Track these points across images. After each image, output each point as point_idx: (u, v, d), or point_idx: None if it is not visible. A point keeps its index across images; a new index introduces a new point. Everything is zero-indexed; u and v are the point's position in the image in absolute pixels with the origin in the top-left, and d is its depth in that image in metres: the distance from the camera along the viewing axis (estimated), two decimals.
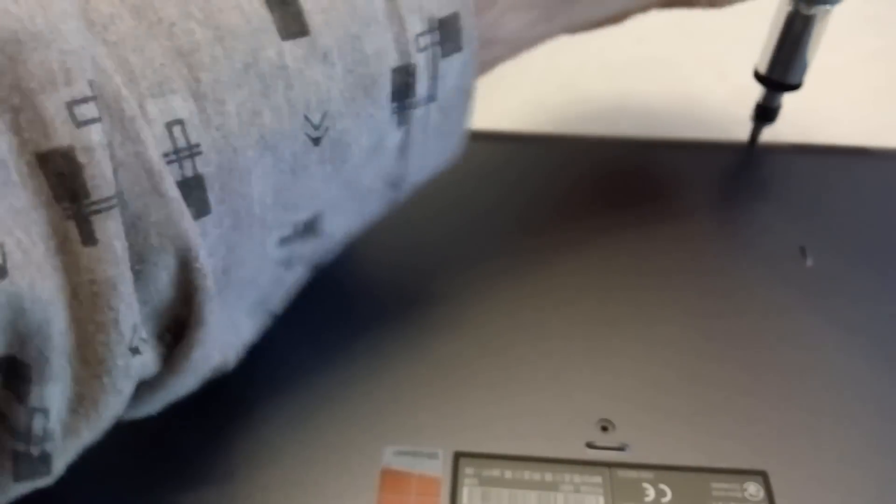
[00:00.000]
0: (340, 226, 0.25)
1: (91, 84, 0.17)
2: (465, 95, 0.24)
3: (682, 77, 0.46)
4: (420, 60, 0.22)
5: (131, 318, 0.18)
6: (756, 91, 0.37)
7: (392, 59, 0.22)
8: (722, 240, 0.33)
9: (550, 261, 0.32)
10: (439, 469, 0.25)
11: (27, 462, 0.19)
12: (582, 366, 0.28)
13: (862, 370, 0.28)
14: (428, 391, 0.27)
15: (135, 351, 0.19)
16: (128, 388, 0.19)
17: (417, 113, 0.23)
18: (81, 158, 0.17)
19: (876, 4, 0.50)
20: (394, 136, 0.23)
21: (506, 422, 0.27)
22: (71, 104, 0.17)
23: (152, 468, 0.25)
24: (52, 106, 0.17)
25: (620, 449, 0.26)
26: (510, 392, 0.27)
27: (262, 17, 0.19)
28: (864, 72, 0.46)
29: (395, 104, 0.22)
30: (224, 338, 0.22)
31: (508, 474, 0.25)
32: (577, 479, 0.25)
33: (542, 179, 0.36)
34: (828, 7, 0.33)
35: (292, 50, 0.20)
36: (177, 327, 0.20)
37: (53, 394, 0.18)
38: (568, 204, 0.35)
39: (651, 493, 0.25)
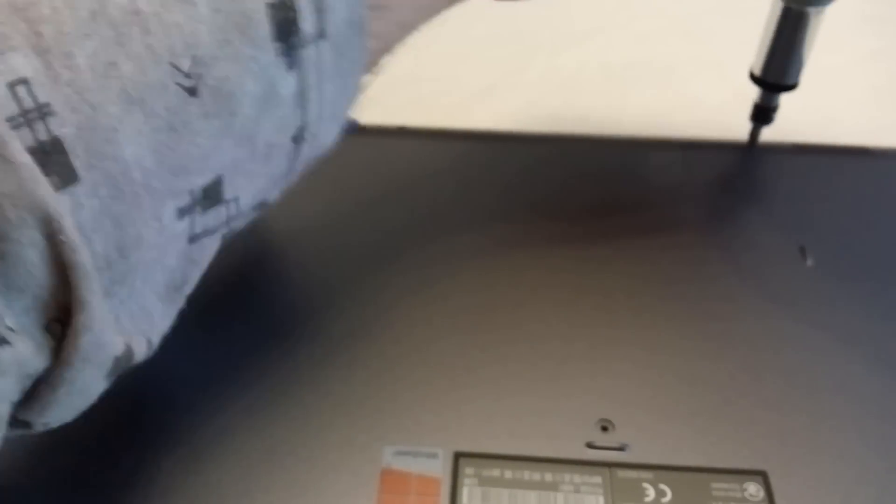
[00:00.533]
0: (246, 190, 0.22)
1: None
2: (357, 29, 0.22)
3: (682, 77, 0.46)
4: None
5: None
6: (755, 91, 0.37)
7: None
8: (722, 240, 0.33)
9: (550, 260, 0.32)
10: (439, 469, 0.25)
11: None
12: (582, 366, 0.28)
13: (862, 370, 0.28)
14: (428, 391, 0.27)
15: (1, 342, 0.17)
16: (5, 383, 0.18)
17: (308, 53, 0.21)
18: None
19: (876, 4, 0.50)
20: (286, 81, 0.21)
21: (506, 422, 0.27)
22: None
23: (152, 468, 0.25)
24: None
25: (620, 449, 0.26)
26: (510, 392, 0.27)
27: None
28: (863, 72, 0.46)
29: (279, 44, 0.20)
30: (133, 325, 0.21)
31: (508, 474, 0.25)
32: (577, 479, 0.25)
33: (542, 179, 0.36)
34: (820, 7, 0.33)
35: None
36: (66, 317, 0.19)
37: None
38: (567, 204, 0.35)
39: (651, 493, 0.25)
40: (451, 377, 0.28)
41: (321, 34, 0.21)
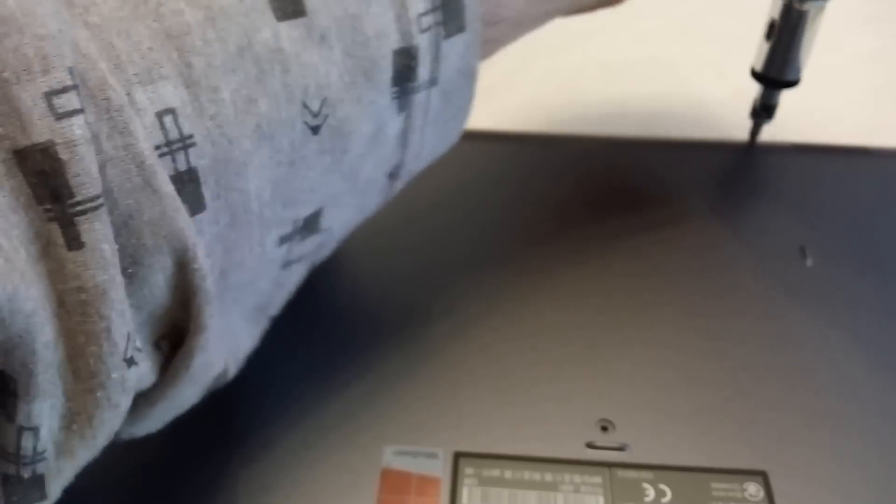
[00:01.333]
0: (340, 221, 0.23)
1: (72, 71, 0.15)
2: (467, 78, 0.23)
3: (682, 77, 0.46)
4: (422, 42, 0.21)
5: (124, 326, 0.17)
6: (755, 90, 0.37)
7: (393, 41, 0.20)
8: (722, 240, 0.33)
9: (550, 261, 0.32)
10: (439, 469, 0.25)
11: (18, 486, 0.17)
12: (582, 366, 0.28)
13: (862, 370, 0.28)
14: (428, 391, 0.27)
15: (130, 362, 0.17)
16: (124, 402, 0.18)
17: (418, 98, 0.22)
18: (63, 154, 0.15)
19: (876, 4, 0.50)
20: (394, 123, 0.22)
21: (506, 422, 0.27)
22: (49, 94, 0.15)
23: (151, 468, 0.25)
24: (29, 97, 0.15)
25: (620, 449, 0.26)
26: (510, 392, 0.27)
27: None
28: (863, 71, 0.46)
29: (395, 89, 0.21)
30: (224, 344, 0.21)
31: (508, 474, 0.25)
32: (577, 479, 0.25)
33: (542, 179, 0.36)
34: (821, 3, 0.33)
35: (288, 32, 0.18)
36: (174, 334, 0.19)
37: (43, 410, 0.17)
38: (568, 204, 0.35)
39: (651, 493, 0.25)
40: (451, 377, 0.28)
41: (433, 81, 0.22)
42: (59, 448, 0.18)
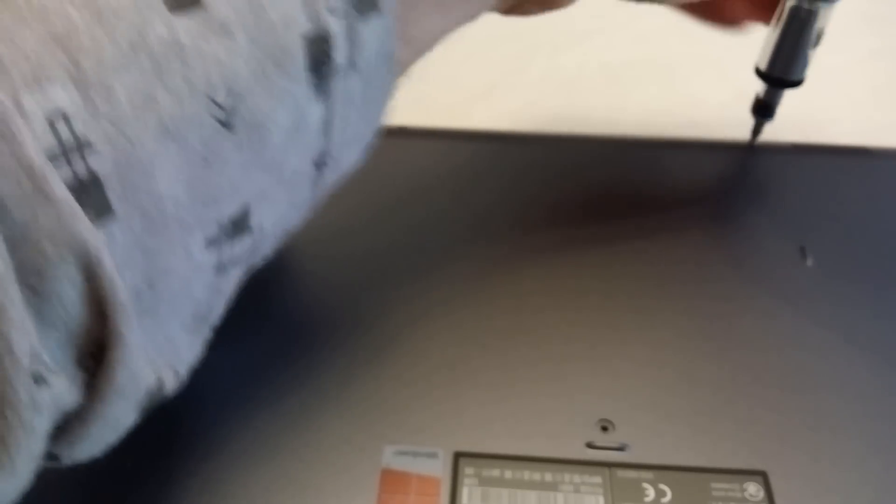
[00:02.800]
0: (270, 218, 0.22)
1: None
2: (387, 61, 0.22)
3: (682, 77, 0.46)
4: (334, 25, 0.20)
5: (26, 343, 0.16)
6: (756, 90, 0.37)
7: (302, 26, 0.20)
8: (722, 240, 0.33)
9: (550, 261, 0.32)
10: (439, 469, 0.25)
11: None
12: (582, 366, 0.28)
13: (862, 370, 0.28)
14: (428, 391, 0.27)
15: (38, 379, 0.17)
16: (39, 423, 0.17)
17: (337, 84, 0.21)
18: None
19: (876, 4, 0.50)
20: (315, 110, 0.21)
21: (506, 422, 0.27)
22: None
23: (151, 468, 0.25)
24: None
25: (620, 449, 0.26)
26: (510, 392, 0.27)
27: None
28: (863, 71, 0.46)
29: (311, 75, 0.20)
30: (159, 357, 0.20)
31: (508, 474, 0.25)
32: (577, 479, 0.25)
33: (542, 179, 0.36)
34: (830, 3, 0.33)
35: (185, 24, 0.18)
36: (99, 353, 0.18)
37: None
38: (567, 204, 0.35)
39: (651, 493, 0.25)
40: (451, 377, 0.28)
41: (352, 65, 0.21)
42: None
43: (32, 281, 0.16)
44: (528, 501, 0.25)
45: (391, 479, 0.25)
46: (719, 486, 0.25)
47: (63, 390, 0.18)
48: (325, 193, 0.25)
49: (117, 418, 0.20)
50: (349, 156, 0.24)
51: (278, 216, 0.23)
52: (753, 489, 0.25)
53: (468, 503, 0.24)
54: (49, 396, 0.17)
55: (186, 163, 0.18)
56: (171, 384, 0.21)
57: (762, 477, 0.25)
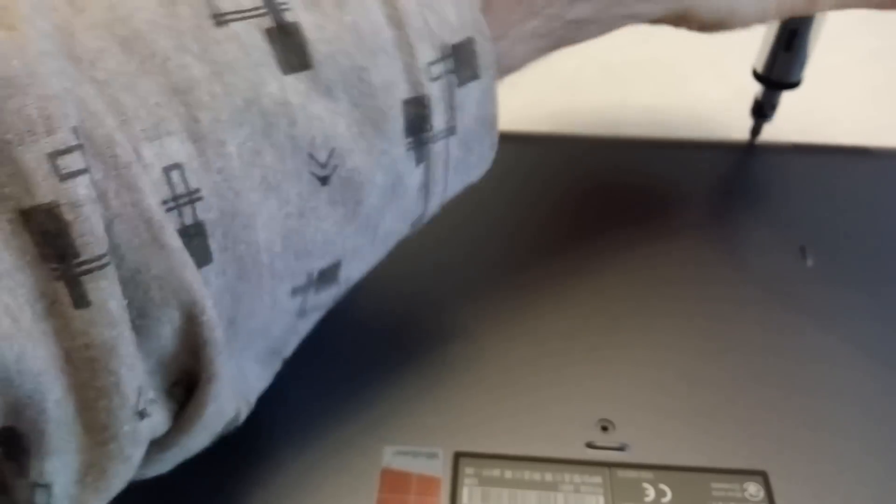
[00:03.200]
0: (359, 271, 0.23)
1: (76, 131, 0.16)
2: (487, 126, 0.23)
3: (682, 77, 0.46)
4: (434, 90, 0.21)
5: (134, 380, 0.17)
6: (756, 90, 0.37)
7: (402, 91, 0.20)
8: (722, 240, 0.33)
9: (550, 261, 0.32)
10: (439, 469, 0.25)
11: None
12: (582, 366, 0.28)
13: (862, 370, 0.28)
14: (428, 391, 0.27)
15: (142, 414, 0.18)
16: (137, 454, 0.18)
17: (436, 148, 0.22)
18: (67, 215, 0.15)
19: None
20: (413, 173, 0.22)
21: (506, 422, 0.27)
22: (53, 155, 0.15)
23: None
24: (33, 158, 0.15)
25: (620, 449, 0.26)
26: (510, 392, 0.27)
27: (263, 50, 0.18)
28: (863, 71, 0.46)
29: (410, 139, 0.21)
30: (235, 387, 0.21)
31: (508, 474, 0.25)
32: (577, 479, 0.25)
33: (542, 179, 0.36)
34: None
35: (294, 85, 0.19)
36: (187, 380, 0.19)
37: (56, 468, 0.17)
38: (568, 204, 0.35)
39: (651, 493, 0.25)
40: (451, 377, 0.28)
41: (451, 130, 0.22)
42: (73, 502, 0.18)
43: (140, 321, 0.17)
44: (528, 501, 0.25)
45: (391, 479, 0.25)
46: (719, 486, 0.25)
47: (159, 421, 0.19)
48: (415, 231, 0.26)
49: (195, 445, 0.21)
50: (437, 210, 0.25)
51: (366, 269, 0.23)
52: (753, 489, 0.25)
53: (468, 503, 0.24)
54: (148, 428, 0.18)
55: (284, 216, 0.19)
56: (244, 413, 0.22)
57: (762, 477, 0.25)
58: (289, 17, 0.19)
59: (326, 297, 0.22)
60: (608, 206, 0.35)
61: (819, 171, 0.36)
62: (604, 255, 0.32)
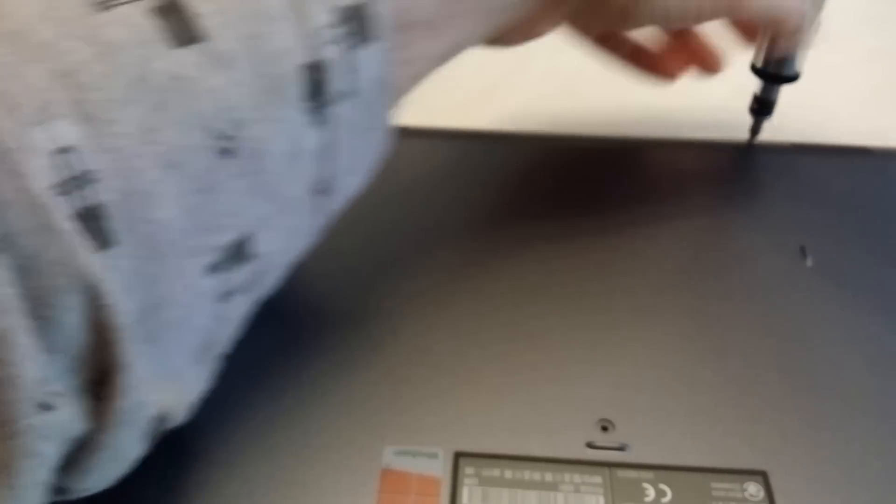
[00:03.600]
0: (275, 245, 0.23)
1: None
2: (385, 88, 0.23)
3: (682, 77, 0.46)
4: (330, 54, 0.21)
5: (33, 370, 0.17)
6: (755, 89, 0.37)
7: (298, 56, 0.20)
8: (722, 240, 0.33)
9: (550, 260, 0.32)
10: (439, 469, 0.25)
11: None
12: (582, 366, 0.28)
13: (862, 370, 0.28)
14: (428, 391, 0.27)
15: (45, 406, 0.17)
16: (47, 449, 0.18)
17: (336, 111, 0.22)
18: None
19: (876, 4, 0.50)
20: (311, 137, 0.21)
21: (506, 422, 0.27)
22: None
23: (151, 468, 0.25)
24: None
25: (620, 449, 0.26)
26: (510, 392, 0.27)
27: (150, 27, 0.18)
28: (863, 71, 0.46)
29: (308, 104, 0.21)
30: (165, 387, 0.21)
31: (508, 474, 0.25)
32: (577, 479, 0.25)
33: (542, 179, 0.36)
34: None
35: (187, 58, 0.18)
36: (105, 379, 0.19)
37: None
38: (567, 204, 0.35)
39: (651, 493, 0.25)
40: (451, 377, 0.28)
41: (351, 93, 0.22)
42: None
43: (40, 310, 0.17)
44: (528, 501, 0.25)
45: (391, 479, 0.25)
46: (719, 486, 0.25)
47: (70, 417, 0.18)
48: (330, 221, 0.25)
49: (124, 447, 0.20)
50: (351, 183, 0.25)
51: (281, 244, 0.23)
52: (753, 489, 0.25)
53: (468, 503, 0.24)
54: (56, 423, 0.18)
55: (188, 191, 0.19)
56: (179, 414, 0.21)
57: (762, 477, 0.25)
58: None
59: (244, 276, 0.22)
60: (608, 206, 0.35)
61: (819, 171, 0.36)
62: (604, 255, 0.32)
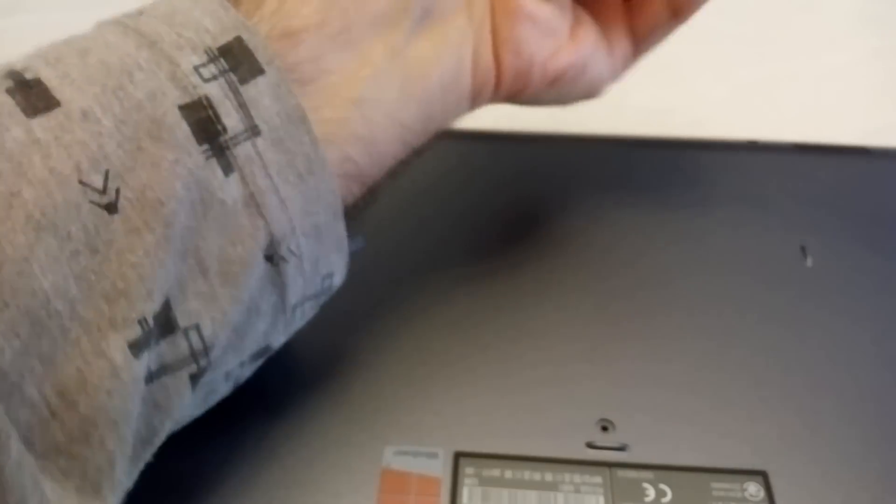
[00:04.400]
0: (208, 318, 0.20)
1: None
2: (295, 121, 0.21)
3: (682, 77, 0.46)
4: (213, 91, 0.20)
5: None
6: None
7: (174, 97, 0.19)
8: (722, 240, 0.33)
9: (550, 260, 0.32)
10: (439, 469, 0.25)
11: None
12: (582, 366, 0.28)
13: (862, 370, 0.28)
14: (428, 391, 0.27)
15: None
16: None
17: (242, 151, 0.20)
18: None
19: (876, 4, 0.50)
20: (225, 184, 0.20)
21: (506, 422, 0.27)
22: None
23: (151, 468, 0.25)
24: None
25: (620, 449, 0.26)
26: (510, 392, 0.27)
27: (8, 103, 0.18)
28: (864, 71, 0.46)
29: (205, 146, 0.20)
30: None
31: (508, 474, 0.25)
32: (577, 479, 0.25)
33: (542, 179, 0.36)
34: None
35: (43, 123, 0.18)
36: None
37: None
38: (567, 204, 0.35)
39: (651, 493, 0.25)
40: (451, 377, 0.28)
41: (253, 131, 0.20)
42: None
43: None
44: (528, 501, 0.25)
45: (391, 479, 0.25)
46: (719, 486, 0.25)
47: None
48: (314, 306, 0.24)
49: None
50: (326, 261, 0.23)
51: (227, 321, 0.21)
52: (753, 489, 0.25)
53: (468, 503, 0.24)
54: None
55: (70, 254, 0.18)
56: None
57: (762, 477, 0.25)
58: (29, 75, 0.19)
59: (173, 352, 0.20)
60: (608, 206, 0.35)
61: (819, 171, 0.36)
62: (604, 255, 0.32)
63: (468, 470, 0.25)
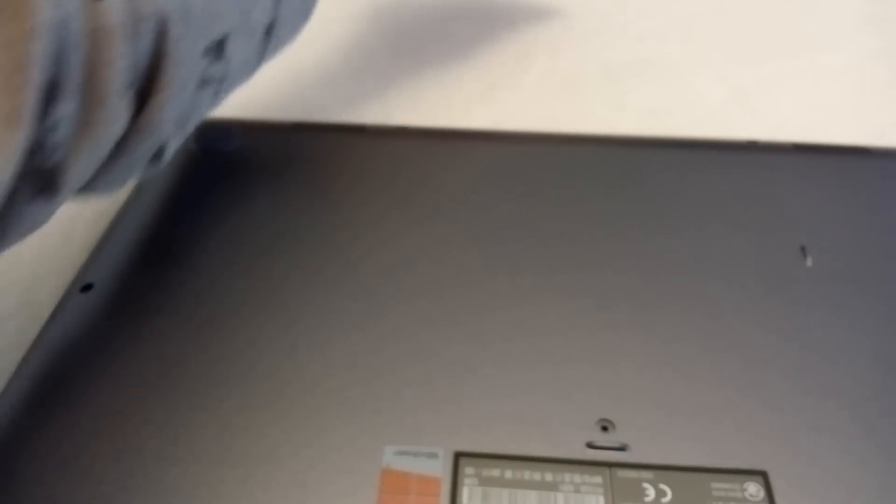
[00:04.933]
0: (236, 56, 0.29)
1: None
2: None
3: (682, 77, 0.46)
4: None
5: (125, 65, 0.23)
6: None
7: None
8: (722, 240, 0.33)
9: (550, 260, 0.32)
10: (439, 469, 0.25)
11: (39, 177, 0.23)
12: (582, 366, 0.28)
13: (862, 370, 0.28)
14: (428, 391, 0.27)
15: (127, 90, 0.23)
16: (118, 124, 0.24)
17: None
18: None
19: (876, 4, 0.50)
20: None
21: (506, 422, 0.27)
22: None
23: (151, 467, 0.25)
24: None
25: (620, 449, 0.26)
26: (510, 392, 0.27)
27: None
28: (863, 71, 0.46)
29: None
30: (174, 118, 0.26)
31: (508, 474, 0.25)
32: (577, 479, 0.25)
33: (542, 179, 0.36)
34: None
35: None
36: (145, 91, 0.25)
37: (66, 111, 0.22)
38: (567, 204, 0.35)
39: (651, 493, 0.25)
40: (451, 377, 0.28)
41: None
42: (72, 147, 0.23)
43: (130, 24, 0.23)
44: (528, 501, 0.25)
45: (391, 479, 0.25)
46: (719, 486, 0.25)
47: (125, 115, 0.24)
48: (266, 62, 0.32)
49: (137, 159, 0.26)
50: (288, 32, 0.32)
51: (240, 59, 0.29)
52: (753, 489, 0.25)
53: (468, 503, 0.24)
54: (125, 110, 0.24)
55: None
56: (168, 155, 0.28)
57: (762, 477, 0.25)
58: None
59: (217, 71, 0.28)
60: (608, 206, 0.35)
61: (819, 171, 0.36)
62: (603, 255, 0.32)
63: (468, 470, 0.25)
